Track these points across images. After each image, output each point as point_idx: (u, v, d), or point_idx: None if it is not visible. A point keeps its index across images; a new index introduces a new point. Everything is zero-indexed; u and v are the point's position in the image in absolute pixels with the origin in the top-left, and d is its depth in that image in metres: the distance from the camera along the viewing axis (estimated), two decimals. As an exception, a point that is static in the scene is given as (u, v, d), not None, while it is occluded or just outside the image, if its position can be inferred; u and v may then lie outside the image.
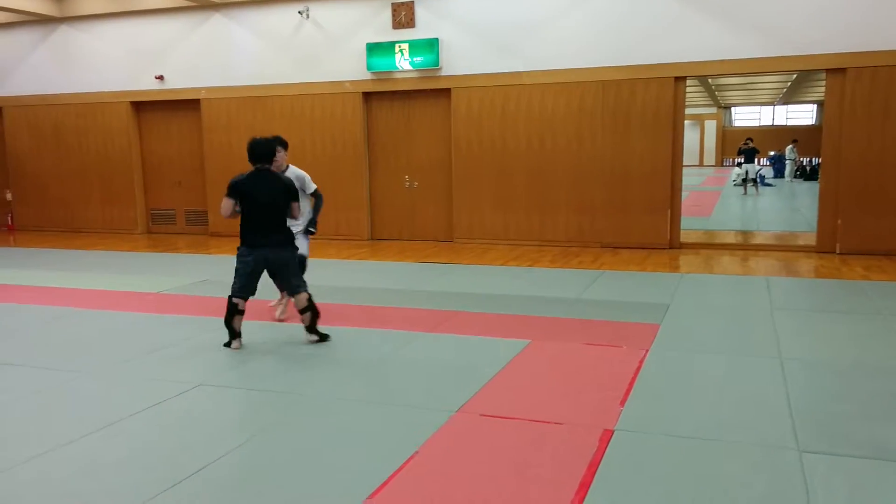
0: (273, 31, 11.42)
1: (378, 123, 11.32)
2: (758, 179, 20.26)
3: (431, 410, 3.88)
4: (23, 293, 7.39)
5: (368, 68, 10.88)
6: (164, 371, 4.72)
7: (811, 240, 9.75)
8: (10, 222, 13.48)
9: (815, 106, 33.97)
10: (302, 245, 6.04)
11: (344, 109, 11.21)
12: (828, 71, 9.11)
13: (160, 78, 12.14)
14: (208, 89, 11.90)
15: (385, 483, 3.05)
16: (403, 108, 11.14)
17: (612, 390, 4.15)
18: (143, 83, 12.30)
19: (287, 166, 6.15)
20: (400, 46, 10.66)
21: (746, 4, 9.16)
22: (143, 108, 12.61)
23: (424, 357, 4.98)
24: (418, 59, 10.60)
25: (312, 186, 6.27)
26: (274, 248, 5.14)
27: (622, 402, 3.95)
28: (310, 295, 5.30)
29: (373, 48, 10.80)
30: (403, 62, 10.69)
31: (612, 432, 3.54)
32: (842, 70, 8.91)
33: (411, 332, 5.60)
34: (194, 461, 3.31)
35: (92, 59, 12.60)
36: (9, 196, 13.44)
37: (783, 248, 10.03)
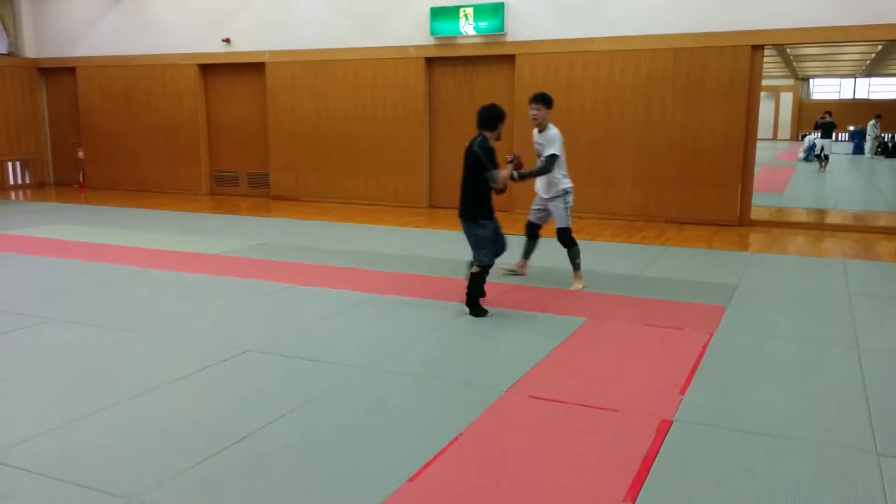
0: (336, -6, 11.31)
1: (440, 90, 11.11)
2: (822, 155, 19.31)
3: (480, 389, 3.75)
4: (87, 251, 7.57)
5: (432, 33, 10.66)
6: (215, 335, 4.73)
7: (893, 221, 9.15)
8: (81, 180, 13.88)
9: (903, 79, 32.03)
10: (558, 215, 6.03)
11: (406, 75, 11.04)
12: (923, 40, 8.45)
13: (227, 41, 12.19)
14: (272, 53, 11.89)
15: (427, 465, 2.95)
16: (466, 74, 10.90)
17: (672, 377, 3.94)
18: (210, 46, 12.38)
19: (547, 125, 5.95)
20: (465, 11, 10.39)
21: (836, -33, 8.53)
22: (210, 70, 12.71)
23: (477, 332, 4.85)
24: (483, 24, 10.32)
25: (549, 150, 5.82)
26: (459, 216, 5.23)
27: (683, 391, 3.73)
28: (479, 271, 5.17)
29: (437, 12, 10.55)
30: (468, 27, 10.42)
31: (671, 423, 3.34)
32: (939, 39, 8.25)
33: (458, 303, 5.46)
34: (236, 430, 3.28)
35: (161, 22, 12.74)
36: (81, 154, 13.82)
37: (862, 228, 9.46)
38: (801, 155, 21.93)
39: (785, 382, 3.91)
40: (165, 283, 6.23)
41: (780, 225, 9.65)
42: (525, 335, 4.77)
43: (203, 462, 2.99)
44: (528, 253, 6.53)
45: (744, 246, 8.19)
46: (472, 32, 10.42)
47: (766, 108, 32.81)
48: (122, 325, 4.93)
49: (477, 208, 5.13)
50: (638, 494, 2.72)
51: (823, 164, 19.20)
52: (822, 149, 19.32)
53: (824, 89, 35.01)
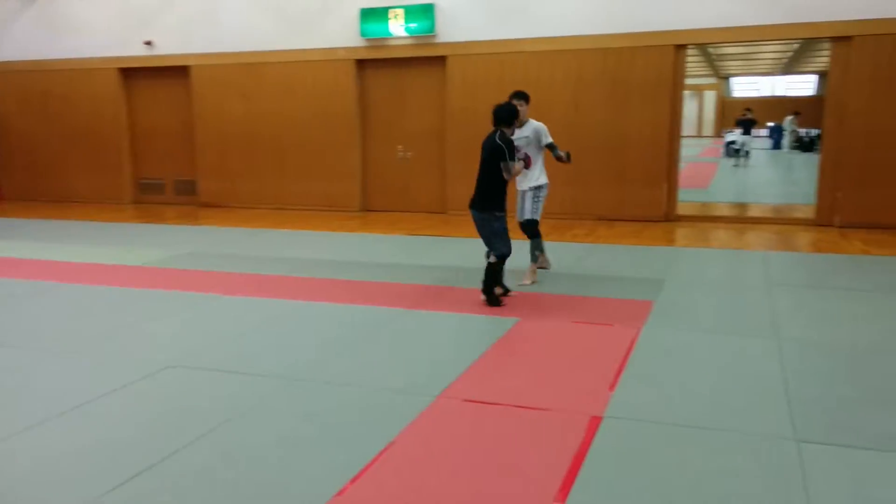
0: (262, -5, 11.10)
1: (372, 91, 11.03)
2: (743, 151, 20.04)
3: (412, 395, 3.72)
4: (1, 266, 7.20)
5: (362, 34, 10.58)
6: (137, 350, 4.56)
7: (809, 212, 9.55)
8: (-3, 191, 13.24)
9: (816, 76, 33.48)
10: (528, 207, 6.19)
11: (337, 77, 10.92)
12: (833, 39, 8.84)
13: (149, 43, 11.82)
14: (198, 55, 11.58)
15: (357, 477, 2.89)
16: (398, 75, 10.85)
17: (601, 373, 3.99)
18: (131, 49, 11.97)
19: (527, 120, 6.14)
20: (394, 12, 10.35)
21: (750, -31, 8.85)
22: (132, 74, 12.29)
23: (409, 336, 4.81)
24: (413, 25, 10.29)
25: (547, 139, 6.16)
26: (474, 208, 5.47)
27: (612, 387, 3.78)
28: (496, 261, 5.43)
29: (366, 13, 10.48)
30: (398, 28, 10.38)
31: (601, 419, 3.37)
32: (847, 38, 8.64)
33: (397, 308, 5.43)
34: (160, 449, 3.15)
35: (79, 24, 12.23)
36: (-5, 165, 13.18)
37: (781, 220, 9.85)
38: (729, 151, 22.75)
39: (710, 374, 4.01)
40: (85, 297, 5.97)
41: (704, 219, 9.95)
42: (458, 337, 4.76)
43: (124, 484, 2.86)
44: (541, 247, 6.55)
45: (670, 241, 8.40)
46: (403, 34, 10.39)
47: (690, 107, 33.89)
48: (37, 344, 4.69)
49: (492, 200, 5.40)
50: (568, 494, 2.74)
51: (744, 159, 19.90)
52: (743, 144, 20.03)
53: (744, 87, 36.32)
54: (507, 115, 5.44)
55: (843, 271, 6.59)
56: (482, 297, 5.49)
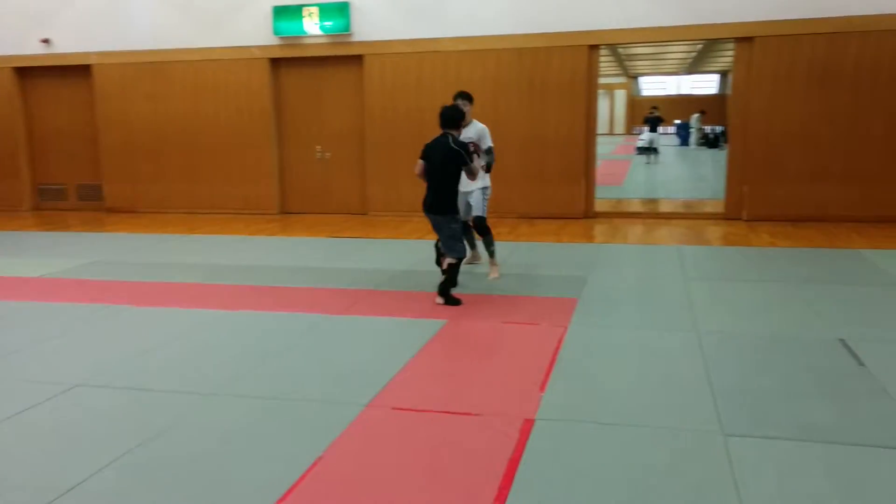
0: (168, -9, 10.64)
1: (287, 91, 10.76)
2: (652, 148, 20.71)
3: (340, 405, 3.59)
4: None
5: (275, 32, 10.30)
6: (39, 370, 4.24)
7: (719, 207, 9.90)
8: None
9: (719, 76, 34.97)
10: (477, 205, 6.24)
11: (250, 76, 10.60)
12: (736, 40, 9.19)
13: (46, 41, 11.14)
14: (100, 54, 11.00)
15: (285, 495, 2.75)
16: (314, 75, 10.62)
17: (531, 374, 3.97)
18: (27, 47, 11.25)
19: (471, 121, 6.20)
20: (309, 10, 10.12)
21: (659, -29, 9.09)
22: (28, 74, 11.56)
23: (334, 343, 4.66)
24: (328, 24, 10.09)
25: (488, 143, 6.22)
26: (431, 211, 5.59)
27: (542, 388, 3.77)
28: (456, 262, 5.55)
29: (280, 11, 10.21)
30: (313, 26, 10.16)
31: (533, 422, 3.34)
32: (750, 39, 8.99)
33: (321, 314, 5.27)
34: (67, 476, 2.92)
35: (-36, 19, 11.42)
36: None
37: (692, 215, 10.18)
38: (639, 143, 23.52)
39: (636, 370, 4.05)
40: (-20, 313, 5.54)
41: (621, 216, 10.17)
42: (385, 343, 4.65)
43: (25, 520, 2.62)
44: (472, 243, 6.78)
45: (590, 237, 8.54)
46: (318, 32, 10.17)
47: (602, 105, 34.78)
48: (-76, 367, 4.30)
49: (451, 203, 5.55)
50: (505, 501, 2.68)
51: (654, 156, 20.55)
52: (651, 142, 20.69)
53: (652, 86, 37.56)
54: (453, 118, 5.58)
55: (753, 263, 6.84)
56: (439, 299, 5.52)
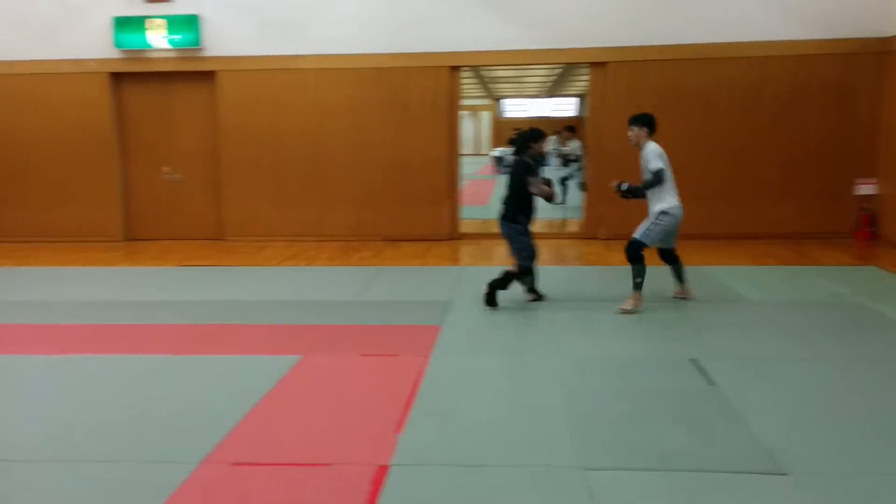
0: (-8, -3, 9.65)
1: (132, 108, 10.01)
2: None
3: (169, 464, 3.17)
4: None
5: (117, 45, 9.57)
6: None
7: (577, 226, 10.15)
8: None
9: (577, 99, 36.61)
10: (640, 227, 5.81)
11: (88, 91, 9.77)
12: (591, 65, 9.49)
13: None
14: None
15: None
16: (163, 91, 9.94)
17: (388, 413, 3.73)
18: None
19: (647, 143, 5.81)
20: (154, 22, 9.47)
21: (516, -4, 9.25)
22: None
23: (170, 390, 4.19)
24: (177, 38, 9.49)
25: (653, 166, 5.65)
26: (501, 222, 5.95)
27: (399, 428, 3.53)
28: (514, 271, 5.91)
29: (121, 23, 9.49)
30: (159, 40, 9.52)
31: (387, 469, 3.10)
32: (603, 64, 9.31)
33: (159, 355, 4.78)
34: None
35: None
36: None
37: (554, 235, 10.35)
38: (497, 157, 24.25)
39: (497, 403, 3.91)
40: None
41: (486, 237, 10.17)
42: (230, 385, 4.25)
43: None
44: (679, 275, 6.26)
45: (455, 260, 8.46)
46: (166, 46, 9.54)
47: (468, 126, 35.41)
48: None
49: (517, 212, 5.89)
50: (352, 568, 2.42)
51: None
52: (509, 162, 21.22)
53: (515, 108, 38.71)
54: (518, 142, 6.13)
55: (609, 283, 6.97)
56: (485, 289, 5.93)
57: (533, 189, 5.79)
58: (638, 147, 5.81)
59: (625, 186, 5.77)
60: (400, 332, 5.30)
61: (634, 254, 5.72)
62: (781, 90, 9.05)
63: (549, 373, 4.35)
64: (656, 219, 5.70)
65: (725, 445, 3.32)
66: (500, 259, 8.42)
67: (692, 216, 9.44)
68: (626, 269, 7.57)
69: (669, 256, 6.16)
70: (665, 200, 5.68)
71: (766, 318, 5.47)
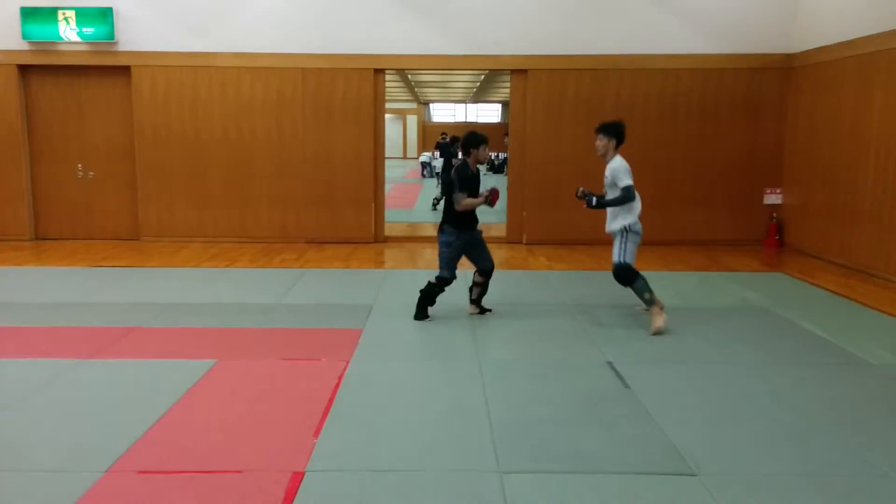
0: None
1: (42, 102, 9.55)
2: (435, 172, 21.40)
3: (74, 474, 3.04)
4: None
5: (24, 37, 9.13)
6: None
7: (502, 231, 10.27)
8: None
9: (501, 105, 37.07)
10: (614, 251, 5.46)
11: (-8, 84, 9.27)
12: (512, 72, 9.63)
13: None
14: None
15: None
16: (74, 85, 9.53)
17: (306, 418, 3.68)
18: None
19: (614, 157, 5.49)
20: (65, 14, 9.08)
21: (442, 2, 9.29)
22: None
23: (77, 395, 4.02)
24: (88, 31, 9.12)
25: (623, 183, 5.33)
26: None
27: (317, 433, 3.49)
28: (432, 281, 5.74)
29: (29, 13, 9.06)
30: (70, 32, 9.12)
31: (303, 475, 3.05)
32: (524, 71, 9.47)
33: (66, 360, 4.57)
34: None
35: None
36: None
37: (479, 240, 10.44)
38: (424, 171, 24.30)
39: (417, 407, 3.91)
40: None
41: (411, 240, 10.20)
42: (141, 390, 4.10)
43: None
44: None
45: (379, 263, 8.42)
46: (77, 39, 9.14)
47: (395, 130, 35.42)
48: None
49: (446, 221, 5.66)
50: (263, 577, 2.37)
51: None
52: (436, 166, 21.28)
53: (442, 113, 38.93)
54: (463, 145, 5.83)
55: (532, 287, 7.09)
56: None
57: (456, 206, 5.53)
58: (604, 158, 5.55)
59: (594, 201, 5.44)
60: (321, 336, 5.23)
61: (626, 276, 5.43)
62: (693, 102, 9.43)
63: (469, 377, 4.38)
64: (622, 236, 5.45)
65: (638, 447, 3.41)
66: (425, 263, 8.45)
67: (603, 223, 9.75)
68: (548, 273, 7.76)
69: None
70: (627, 217, 5.44)
71: (680, 321, 5.66)
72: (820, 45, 8.63)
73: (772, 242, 9.50)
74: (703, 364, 4.68)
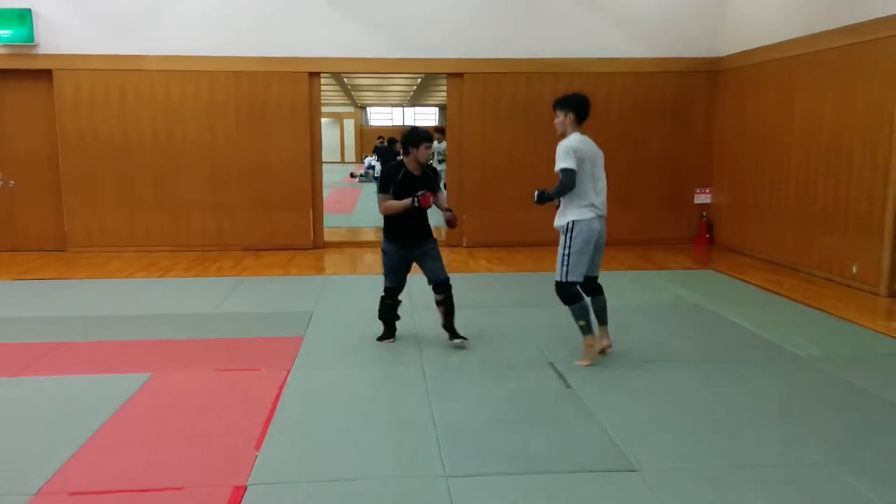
0: None
1: (-46, 108, 9.08)
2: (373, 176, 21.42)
3: (1, 497, 2.89)
4: None
5: (-64, 38, 8.65)
6: None
7: (441, 234, 10.28)
8: None
9: (438, 109, 37.20)
10: (558, 257, 4.64)
11: None
12: (448, 75, 9.66)
13: None
14: None
15: None
16: (-8, 89, 9.10)
17: (247, 430, 3.59)
18: None
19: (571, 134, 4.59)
20: (-20, 14, 8.65)
21: (376, 5, 9.25)
22: None
23: (2, 415, 3.83)
24: (6, 33, 8.72)
25: (559, 165, 4.47)
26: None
27: (258, 446, 3.41)
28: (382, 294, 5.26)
29: (-60, 13, 8.60)
30: (-14, 34, 8.70)
31: (244, 489, 2.98)
32: (460, 75, 9.51)
33: (-11, 379, 4.36)
34: None
35: None
36: None
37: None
38: (360, 173, 24.21)
39: (361, 414, 3.87)
40: None
41: (351, 245, 10.11)
42: (70, 407, 3.92)
43: None
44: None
45: (319, 269, 8.31)
46: (-7, 41, 8.74)
47: (332, 134, 35.04)
48: None
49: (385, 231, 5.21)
50: None
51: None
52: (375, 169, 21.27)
53: (380, 117, 38.80)
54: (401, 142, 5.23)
55: (473, 290, 7.10)
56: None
57: (379, 210, 5.05)
58: (563, 137, 4.60)
59: (535, 196, 4.55)
60: (260, 346, 5.13)
61: (564, 295, 4.61)
62: (625, 104, 9.65)
63: (413, 382, 4.36)
64: (564, 241, 4.55)
65: (582, 446, 3.45)
66: (366, 267, 8.39)
67: (542, 224, 9.90)
68: (490, 276, 7.80)
69: (589, 287, 4.85)
70: (571, 212, 4.51)
71: (617, 320, 5.76)
72: (745, 49, 8.96)
73: (703, 241, 9.80)
74: (641, 361, 4.77)
